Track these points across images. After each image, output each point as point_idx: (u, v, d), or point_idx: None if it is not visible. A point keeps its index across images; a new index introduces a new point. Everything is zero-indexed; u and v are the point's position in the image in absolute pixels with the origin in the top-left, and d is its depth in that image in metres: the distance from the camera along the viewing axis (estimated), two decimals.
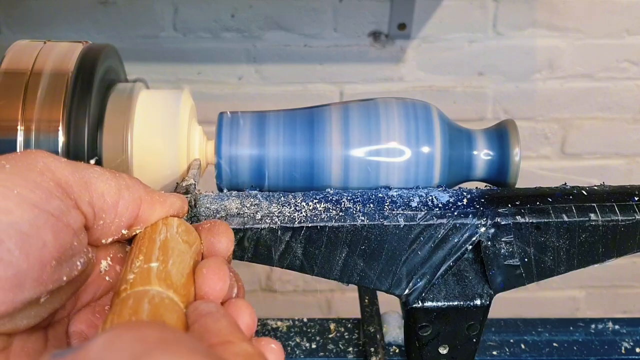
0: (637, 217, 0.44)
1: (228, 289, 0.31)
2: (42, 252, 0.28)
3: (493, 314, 0.50)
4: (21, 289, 0.27)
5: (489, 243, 0.44)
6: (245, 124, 0.48)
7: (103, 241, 0.33)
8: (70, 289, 0.31)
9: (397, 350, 0.60)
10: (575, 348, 0.62)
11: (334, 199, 0.45)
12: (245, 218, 0.43)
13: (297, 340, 0.62)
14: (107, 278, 0.34)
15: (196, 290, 0.31)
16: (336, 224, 0.43)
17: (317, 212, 0.43)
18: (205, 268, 0.32)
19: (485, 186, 0.49)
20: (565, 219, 0.44)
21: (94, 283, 0.33)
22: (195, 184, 0.44)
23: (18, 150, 0.44)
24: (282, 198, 0.44)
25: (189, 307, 0.29)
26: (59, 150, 0.44)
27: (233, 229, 0.42)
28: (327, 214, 0.43)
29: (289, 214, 0.43)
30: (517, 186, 0.49)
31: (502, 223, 0.44)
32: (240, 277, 0.35)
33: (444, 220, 0.43)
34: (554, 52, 1.19)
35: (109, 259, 0.34)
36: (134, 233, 0.34)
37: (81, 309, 0.33)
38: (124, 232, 0.33)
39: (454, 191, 0.46)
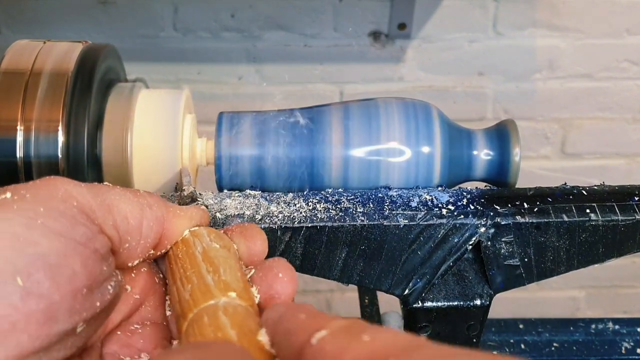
0: (637, 217, 0.44)
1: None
2: (73, 281, 0.27)
3: (493, 314, 0.50)
4: (55, 321, 0.26)
5: (489, 243, 0.44)
6: (245, 124, 0.48)
7: (129, 264, 0.32)
8: (104, 313, 0.30)
9: None
10: (575, 348, 0.62)
11: (333, 199, 0.45)
12: (245, 218, 0.43)
13: None
14: (135, 296, 0.33)
15: (264, 290, 0.30)
16: (336, 224, 0.43)
17: (317, 212, 0.43)
18: (276, 268, 0.31)
19: (485, 186, 0.49)
20: (565, 219, 0.44)
21: (123, 303, 0.32)
22: (195, 189, 0.44)
23: (18, 150, 0.44)
24: (282, 198, 0.44)
25: (264, 313, 0.28)
26: (59, 150, 0.44)
27: None
28: (327, 214, 0.43)
29: (288, 214, 0.43)
30: (517, 186, 0.49)
31: (502, 223, 0.44)
32: None
33: (444, 220, 0.43)
34: (554, 52, 1.19)
35: (133, 275, 0.33)
36: (160, 252, 0.33)
37: (112, 330, 0.32)
38: (150, 252, 0.32)
39: (454, 191, 0.46)
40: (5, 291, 0.25)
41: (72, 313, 0.27)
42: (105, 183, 0.32)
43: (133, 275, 0.33)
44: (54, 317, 0.26)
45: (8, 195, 0.27)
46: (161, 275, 0.34)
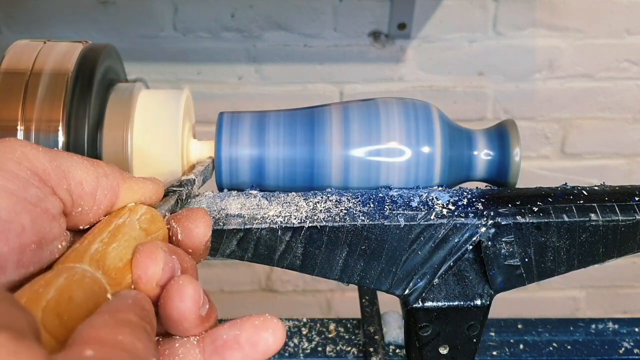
0: (637, 217, 0.44)
1: (167, 271, 0.31)
2: (21, 236, 0.29)
3: (493, 314, 0.50)
4: (3, 271, 0.28)
5: (490, 243, 0.44)
6: (245, 124, 0.48)
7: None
8: None
9: (397, 350, 0.60)
10: (575, 348, 0.62)
11: (334, 198, 0.45)
12: (245, 218, 0.43)
13: (297, 340, 0.63)
14: None
15: (132, 274, 0.31)
16: (336, 224, 0.43)
17: (317, 212, 0.43)
18: (139, 253, 0.32)
19: (486, 186, 0.49)
20: (566, 219, 0.44)
21: None
22: (194, 179, 0.44)
23: None
24: (282, 198, 0.44)
25: (116, 295, 0.29)
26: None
27: (233, 229, 0.42)
28: (327, 214, 0.43)
29: (289, 214, 0.43)
30: (517, 186, 0.49)
31: (503, 223, 0.44)
32: (190, 257, 0.34)
33: (444, 220, 0.43)
34: (554, 52, 1.19)
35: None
36: None
37: None
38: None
39: (454, 191, 0.46)
40: None
41: (19, 266, 0.29)
42: (66, 151, 0.34)
43: None
44: (2, 267, 0.28)
45: None
46: None
